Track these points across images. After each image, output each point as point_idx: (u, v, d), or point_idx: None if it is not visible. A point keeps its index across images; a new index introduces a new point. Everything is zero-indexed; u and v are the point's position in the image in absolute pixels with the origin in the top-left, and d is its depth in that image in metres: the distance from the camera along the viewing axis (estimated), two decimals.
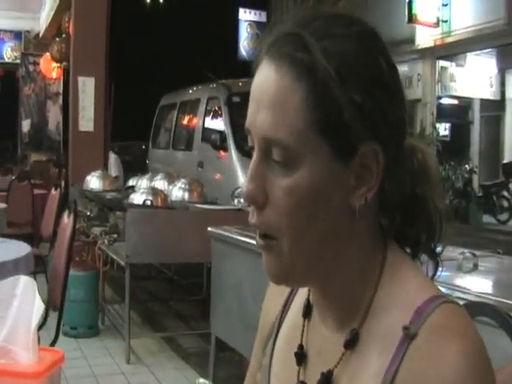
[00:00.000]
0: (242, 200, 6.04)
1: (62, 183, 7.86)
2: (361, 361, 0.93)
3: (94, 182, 7.30)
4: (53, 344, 3.34)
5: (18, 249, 4.15)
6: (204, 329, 5.08)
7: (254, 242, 3.12)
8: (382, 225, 0.99)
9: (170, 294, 7.35)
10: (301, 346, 1.04)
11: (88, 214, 6.76)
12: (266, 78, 0.90)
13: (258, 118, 0.90)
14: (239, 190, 6.49)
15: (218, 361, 4.12)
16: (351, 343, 0.94)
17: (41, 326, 3.35)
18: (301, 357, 1.03)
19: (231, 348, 4.07)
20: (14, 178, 9.44)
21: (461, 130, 18.13)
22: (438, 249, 1.03)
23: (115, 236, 5.72)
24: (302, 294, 1.09)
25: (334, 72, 0.86)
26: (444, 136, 17.46)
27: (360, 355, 0.94)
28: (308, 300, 1.05)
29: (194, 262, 5.71)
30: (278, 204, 0.90)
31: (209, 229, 4.09)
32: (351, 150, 0.89)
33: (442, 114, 17.22)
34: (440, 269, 1.02)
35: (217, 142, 9.83)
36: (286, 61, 0.88)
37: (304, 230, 0.91)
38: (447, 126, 18.26)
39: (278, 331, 1.12)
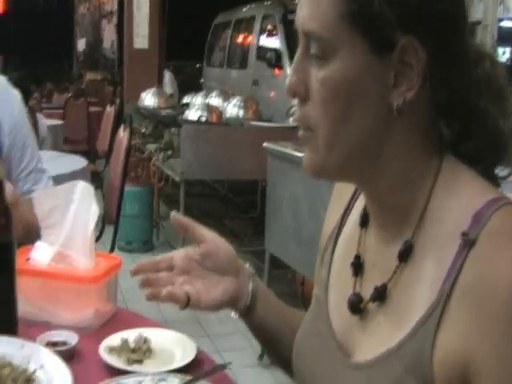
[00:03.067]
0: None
1: (117, 101, 7.88)
2: (415, 272, 0.91)
3: (148, 99, 7.28)
4: None
5: (75, 163, 4.20)
6: (258, 246, 5.10)
7: None
8: (442, 133, 0.95)
9: (223, 211, 7.39)
10: (357, 257, 1.02)
11: (143, 130, 6.78)
12: None
13: (299, 13, 0.91)
14: (294, 109, 6.39)
15: (271, 278, 4.13)
16: (405, 255, 0.92)
17: (97, 240, 3.39)
18: (357, 267, 1.02)
19: (284, 266, 4.08)
20: (69, 95, 9.50)
21: None
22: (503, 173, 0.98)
23: (170, 152, 5.73)
24: (360, 205, 1.06)
25: None
26: (504, 61, 16.89)
27: (414, 267, 0.91)
28: (365, 209, 1.03)
29: (248, 179, 5.71)
30: (315, 96, 0.90)
31: (264, 144, 4.04)
32: (387, 44, 0.86)
33: (503, 37, 16.62)
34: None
35: (272, 59, 9.69)
36: None
37: (339, 122, 0.89)
38: (507, 49, 17.65)
39: (335, 243, 1.11)
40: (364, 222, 1.03)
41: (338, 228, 1.12)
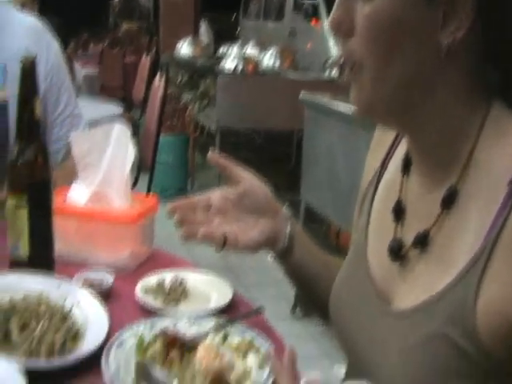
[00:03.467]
0: (333, 70, 5.90)
1: (153, 50, 7.85)
2: (459, 220, 0.88)
3: (184, 48, 7.25)
4: None
5: (111, 109, 4.21)
6: (292, 198, 5.09)
7: (347, 109, 3.02)
8: (490, 79, 0.91)
9: (259, 162, 7.34)
10: (398, 202, 0.99)
11: (178, 80, 6.76)
12: None
13: None
14: (331, 60, 6.33)
15: (306, 230, 4.12)
16: (449, 201, 0.89)
17: (132, 187, 3.39)
18: (398, 213, 0.99)
19: (318, 219, 4.07)
20: (105, 44, 9.50)
21: None
22: None
23: (205, 102, 5.72)
24: (402, 151, 1.03)
25: None
26: None
27: (458, 214, 0.88)
28: (407, 155, 1.00)
29: (283, 129, 5.67)
30: (360, 32, 0.88)
31: (301, 95, 4.00)
32: None
33: None
34: None
35: (309, 11, 9.59)
36: None
37: (385, 59, 0.87)
38: None
39: (375, 190, 1.09)
40: (406, 167, 1.00)
41: (379, 174, 1.09)
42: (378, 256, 1.01)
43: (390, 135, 1.09)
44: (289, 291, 4.03)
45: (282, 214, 1.22)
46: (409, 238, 0.94)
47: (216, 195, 1.20)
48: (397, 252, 0.96)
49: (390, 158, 1.08)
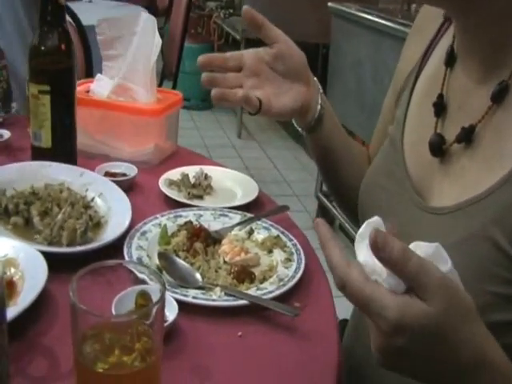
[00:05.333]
0: None
1: None
2: (508, 117, 0.82)
3: None
4: None
5: (136, 11, 4.11)
6: None
7: (376, 19, 2.90)
8: None
9: None
10: (440, 96, 0.93)
11: None
12: None
13: None
14: None
15: None
16: (499, 96, 0.83)
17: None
18: (439, 107, 0.93)
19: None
20: None
21: None
22: None
23: (231, 10, 5.60)
24: (445, 42, 0.97)
25: None
26: None
27: (507, 110, 0.83)
28: (452, 47, 0.93)
29: (309, 41, 5.55)
30: None
31: (329, 4, 3.87)
32: None
33: None
34: None
35: None
36: None
37: None
38: None
39: (415, 81, 1.03)
40: (450, 60, 0.94)
41: (419, 66, 1.03)
42: (416, 151, 0.97)
43: (433, 25, 1.02)
44: (311, 203, 4.01)
45: (315, 84, 1.15)
46: (451, 133, 0.89)
47: (250, 54, 1.10)
48: (438, 147, 0.91)
49: (433, 49, 1.02)
